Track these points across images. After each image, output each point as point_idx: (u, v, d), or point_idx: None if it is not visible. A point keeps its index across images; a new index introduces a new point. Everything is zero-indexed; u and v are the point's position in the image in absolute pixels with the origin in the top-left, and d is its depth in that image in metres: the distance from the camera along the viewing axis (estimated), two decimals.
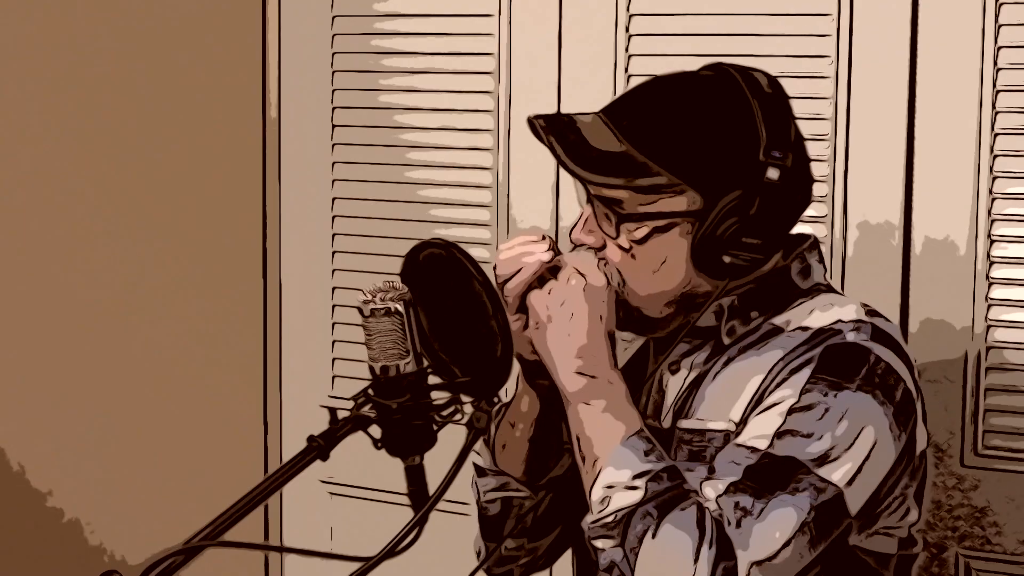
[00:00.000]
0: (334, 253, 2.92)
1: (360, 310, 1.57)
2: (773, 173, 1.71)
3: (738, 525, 1.61)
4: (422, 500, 1.57)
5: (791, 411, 1.67)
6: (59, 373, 3.19)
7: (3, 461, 3.25)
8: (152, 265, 3.11)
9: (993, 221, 2.35)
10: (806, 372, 1.69)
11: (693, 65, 1.83)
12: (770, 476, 1.63)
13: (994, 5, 2.32)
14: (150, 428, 3.14)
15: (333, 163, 2.91)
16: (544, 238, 1.77)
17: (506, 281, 1.76)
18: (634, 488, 1.64)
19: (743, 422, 1.71)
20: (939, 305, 2.39)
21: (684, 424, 1.77)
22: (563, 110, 2.55)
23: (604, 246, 1.77)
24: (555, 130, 1.74)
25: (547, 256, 1.76)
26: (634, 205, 1.73)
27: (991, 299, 2.36)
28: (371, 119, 2.86)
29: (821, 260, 1.84)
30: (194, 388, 3.10)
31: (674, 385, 1.81)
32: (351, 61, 2.87)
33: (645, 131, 1.73)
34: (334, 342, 2.93)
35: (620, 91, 2.36)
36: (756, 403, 1.71)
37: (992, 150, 2.34)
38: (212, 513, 1.48)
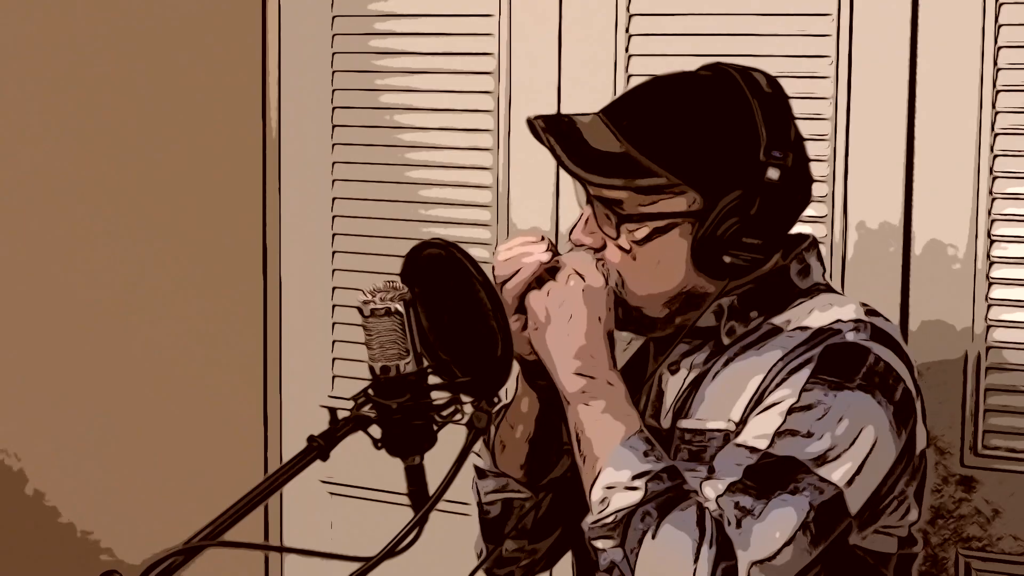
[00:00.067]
0: (334, 253, 2.92)
1: (360, 310, 1.57)
2: (773, 173, 1.71)
3: (738, 525, 1.61)
4: (422, 500, 1.57)
5: (791, 411, 1.67)
6: (59, 373, 3.19)
7: (3, 461, 3.25)
8: (152, 265, 3.11)
9: (993, 221, 2.35)
10: (806, 372, 1.69)
11: (693, 65, 1.83)
12: (770, 476, 1.63)
13: (994, 5, 2.32)
14: (150, 428, 3.14)
15: (333, 163, 2.91)
16: (543, 239, 1.78)
17: (505, 282, 1.76)
18: (634, 488, 1.64)
19: (743, 422, 1.71)
20: (939, 305, 2.38)
21: (684, 424, 1.77)
22: (563, 110, 2.55)
23: (604, 247, 1.77)
24: (555, 131, 1.74)
25: (546, 257, 1.76)
26: (634, 205, 1.73)
27: (991, 299, 2.36)
28: (371, 119, 2.86)
29: (820, 260, 1.84)
30: (194, 388, 3.10)
31: (674, 385, 1.81)
32: (351, 61, 2.87)
33: (645, 131, 1.73)
34: (334, 342, 2.93)
35: (620, 91, 2.36)
36: (756, 403, 1.71)
37: (992, 150, 2.34)
38: (212, 513, 1.48)
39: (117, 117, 3.09)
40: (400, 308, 1.56)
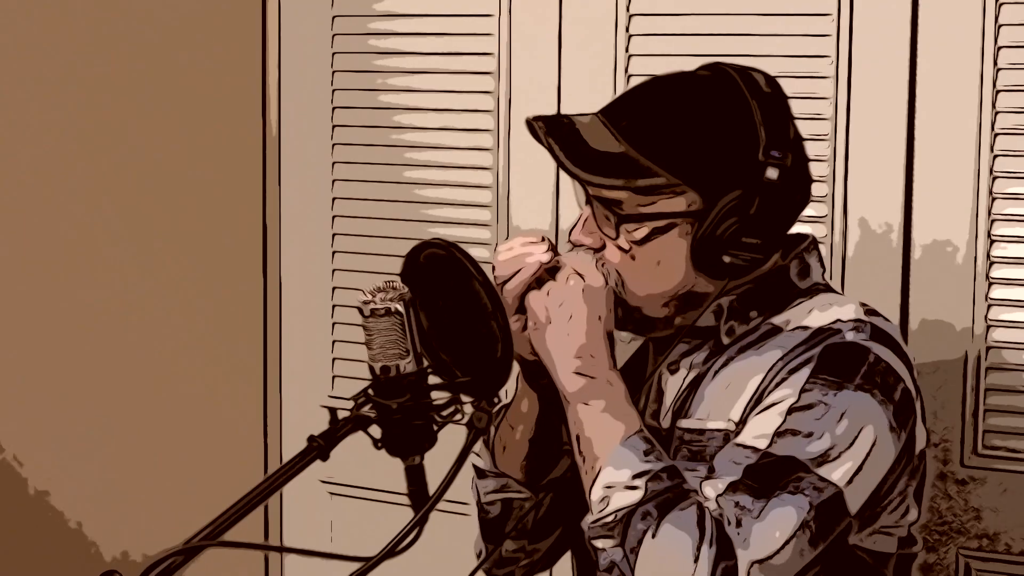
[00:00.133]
0: (334, 253, 2.92)
1: (360, 310, 1.57)
2: (772, 173, 1.71)
3: (738, 524, 1.61)
4: (422, 500, 1.57)
5: (791, 410, 1.67)
6: (59, 373, 3.19)
7: (3, 461, 3.25)
8: (152, 265, 3.11)
9: (993, 221, 2.35)
10: (805, 371, 1.69)
11: (693, 65, 1.83)
12: (770, 475, 1.63)
13: (994, 5, 2.32)
14: (150, 428, 3.14)
15: (333, 163, 2.91)
16: (543, 239, 1.78)
17: (505, 282, 1.76)
18: (634, 488, 1.64)
19: (743, 422, 1.71)
20: (939, 305, 2.38)
21: (683, 424, 1.77)
22: (563, 110, 2.55)
23: (603, 247, 1.77)
24: (554, 131, 1.74)
25: (546, 257, 1.76)
26: (633, 206, 1.73)
27: (991, 299, 2.36)
28: (371, 119, 2.86)
29: (820, 260, 1.84)
30: (194, 388, 3.10)
31: (673, 385, 1.81)
32: (351, 61, 2.87)
33: (644, 132, 1.73)
34: (334, 342, 2.93)
35: (620, 91, 2.36)
36: (755, 403, 1.71)
37: (992, 150, 2.34)
38: (212, 513, 1.48)
39: (117, 117, 3.09)
40: (400, 308, 1.56)
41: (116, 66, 3.08)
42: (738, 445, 1.68)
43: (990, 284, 2.36)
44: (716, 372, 1.77)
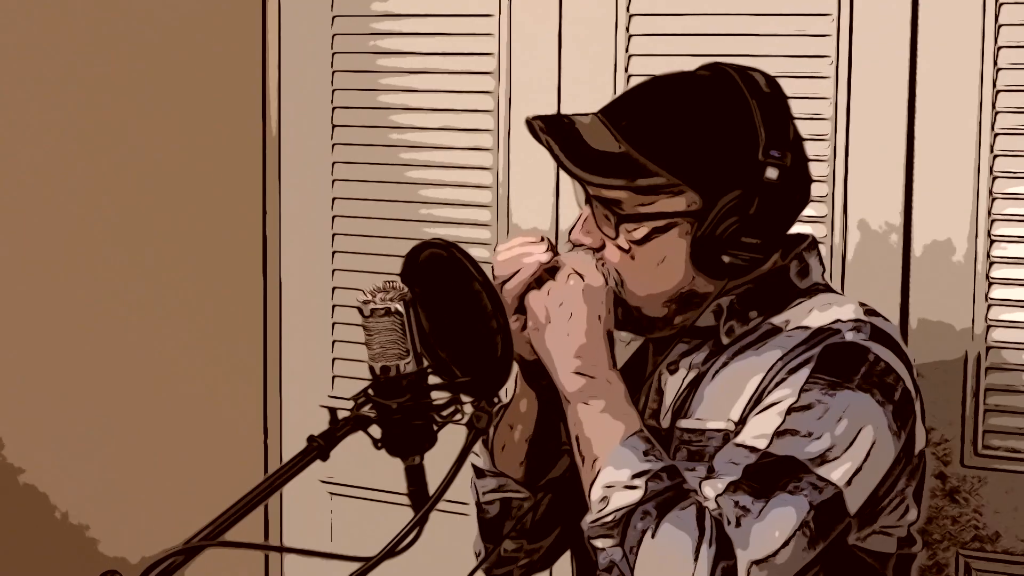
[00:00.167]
0: (334, 253, 2.92)
1: (360, 310, 1.57)
2: (772, 173, 1.71)
3: (737, 524, 1.61)
4: (422, 500, 1.57)
5: (790, 410, 1.67)
6: (59, 373, 3.19)
7: (3, 461, 3.25)
8: (152, 265, 3.11)
9: (993, 221, 2.35)
10: (805, 372, 1.69)
11: (693, 65, 1.83)
12: (769, 475, 1.63)
13: (994, 5, 2.32)
14: (150, 428, 3.14)
15: (333, 163, 2.91)
16: (542, 239, 1.78)
17: (504, 282, 1.76)
18: (633, 487, 1.64)
19: (742, 422, 1.71)
20: (939, 305, 2.39)
21: (683, 424, 1.77)
22: (563, 110, 2.55)
23: (603, 246, 1.77)
24: (553, 131, 1.74)
25: (545, 257, 1.76)
26: (633, 205, 1.73)
27: (991, 299, 2.36)
28: (371, 119, 2.86)
29: (820, 260, 1.84)
30: (194, 388, 3.10)
31: (673, 385, 1.81)
32: (351, 61, 2.87)
33: (644, 131, 1.73)
34: (334, 342, 2.93)
35: (620, 91, 2.36)
36: (755, 403, 1.71)
37: (992, 150, 2.34)
38: (212, 513, 1.48)
39: (117, 117, 3.09)
40: (400, 308, 1.56)
41: (116, 66, 3.08)
42: (738, 445, 1.68)
43: (990, 284, 2.36)
44: (716, 372, 1.77)
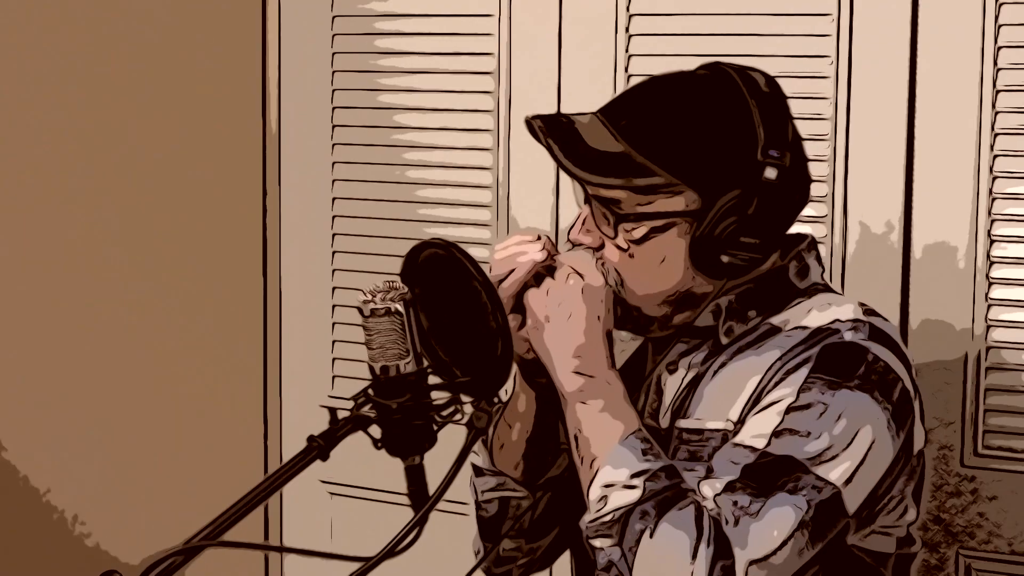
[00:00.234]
0: (334, 253, 2.92)
1: (360, 310, 1.57)
2: (771, 173, 1.72)
3: (736, 524, 1.61)
4: (422, 500, 1.57)
5: (789, 410, 1.67)
6: (59, 373, 3.19)
7: (3, 461, 3.25)
8: (152, 265, 3.11)
9: (993, 221, 2.35)
10: (804, 371, 1.69)
11: (693, 65, 1.83)
12: (768, 475, 1.63)
13: (994, 5, 2.32)
14: (150, 428, 3.14)
15: (333, 163, 2.91)
16: (539, 237, 1.78)
17: (501, 281, 1.76)
18: (632, 487, 1.64)
19: (741, 422, 1.71)
20: (939, 305, 2.38)
21: (682, 424, 1.77)
22: (563, 110, 2.54)
23: (602, 246, 1.77)
24: (553, 131, 1.74)
25: (540, 255, 1.76)
26: (632, 205, 1.73)
27: (991, 299, 2.36)
28: (371, 119, 2.86)
29: (819, 260, 1.84)
30: (194, 388, 3.10)
31: (672, 385, 1.81)
32: (351, 61, 2.87)
33: (643, 131, 1.73)
34: (334, 342, 2.93)
35: (620, 91, 2.36)
36: (754, 403, 1.71)
37: (992, 150, 2.34)
38: (212, 513, 1.48)
39: (117, 117, 3.09)
40: (400, 308, 1.56)
41: (116, 66, 3.08)
42: (736, 445, 1.68)
43: (990, 284, 2.35)
44: (715, 372, 1.77)
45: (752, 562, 1.60)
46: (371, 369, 1.58)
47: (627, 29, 2.59)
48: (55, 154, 3.14)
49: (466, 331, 1.59)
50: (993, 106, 2.33)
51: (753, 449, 1.65)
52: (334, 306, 2.93)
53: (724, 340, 1.78)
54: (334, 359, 2.94)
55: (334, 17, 2.88)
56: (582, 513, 1.69)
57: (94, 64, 3.09)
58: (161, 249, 3.10)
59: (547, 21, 2.67)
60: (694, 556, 1.59)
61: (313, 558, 1.60)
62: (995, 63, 2.32)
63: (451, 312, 1.60)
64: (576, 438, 1.71)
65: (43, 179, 3.16)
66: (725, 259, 1.73)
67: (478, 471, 1.91)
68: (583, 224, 1.79)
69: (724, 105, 1.74)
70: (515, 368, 1.82)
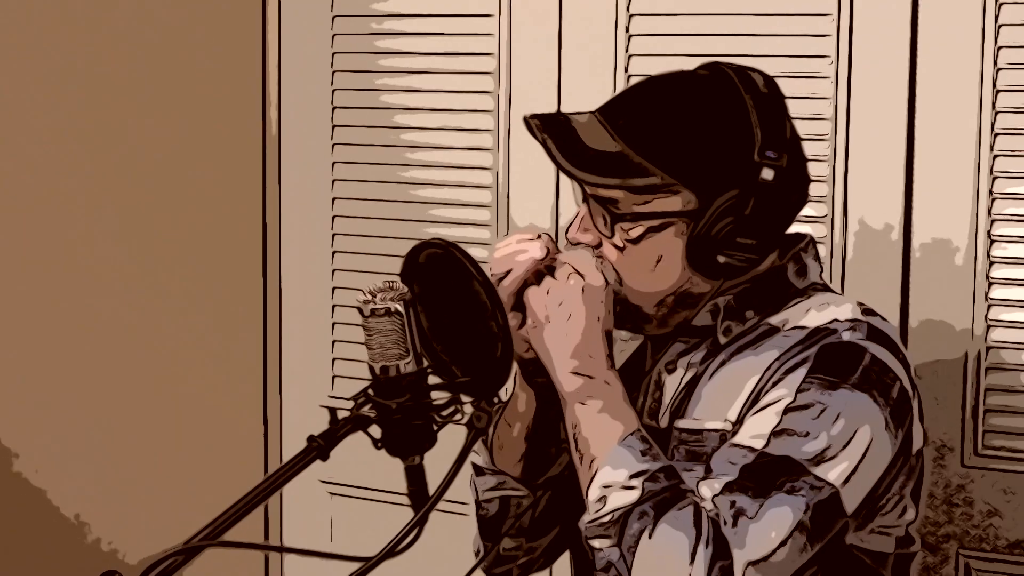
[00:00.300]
0: (334, 253, 2.92)
1: (360, 310, 1.57)
2: (768, 173, 1.71)
3: (734, 525, 1.61)
4: (422, 500, 1.57)
5: (787, 410, 1.67)
6: (59, 373, 3.19)
7: (3, 461, 3.25)
8: (152, 265, 3.11)
9: (993, 221, 2.35)
10: (802, 371, 1.69)
11: (693, 65, 1.83)
12: (766, 475, 1.63)
13: (994, 5, 2.32)
14: (150, 428, 3.14)
15: (333, 163, 2.91)
16: (539, 236, 1.78)
17: (500, 279, 1.76)
18: (631, 488, 1.64)
19: (739, 422, 1.71)
20: (939, 305, 2.38)
21: (681, 424, 1.77)
22: (563, 110, 2.54)
23: (600, 244, 1.77)
24: (550, 129, 1.74)
25: (540, 254, 1.76)
26: (629, 205, 1.73)
27: (991, 299, 2.36)
28: (371, 119, 2.86)
29: (818, 260, 1.84)
30: (194, 388, 3.10)
31: (671, 385, 1.81)
32: (351, 61, 2.87)
33: (640, 131, 1.73)
34: (334, 342, 2.93)
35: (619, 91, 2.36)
36: (752, 403, 1.71)
37: (992, 150, 2.34)
38: (212, 513, 1.48)
39: (117, 117, 3.09)
40: (400, 308, 1.56)
41: (116, 66, 3.08)
42: (735, 445, 1.67)
43: (990, 284, 2.36)
44: (713, 372, 1.77)
45: (750, 563, 1.60)
46: (371, 369, 1.58)
47: (627, 29, 2.59)
48: (55, 154, 3.14)
49: (466, 331, 1.59)
50: (993, 106, 2.33)
51: (751, 449, 1.65)
52: (334, 306, 2.93)
53: (722, 340, 1.78)
54: (334, 359, 2.94)
55: (334, 17, 2.88)
56: (582, 512, 1.69)
57: (94, 64, 3.09)
58: (161, 249, 3.10)
59: (547, 21, 2.67)
60: (693, 557, 1.59)
61: (313, 558, 1.60)
62: (995, 63, 2.32)
63: (451, 312, 1.60)
64: (575, 438, 1.71)
65: (43, 179, 3.16)
66: (722, 259, 1.73)
67: (478, 470, 1.91)
68: (581, 223, 1.79)
69: (722, 105, 1.74)
70: (515, 368, 1.82)
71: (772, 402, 1.68)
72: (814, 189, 1.84)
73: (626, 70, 2.59)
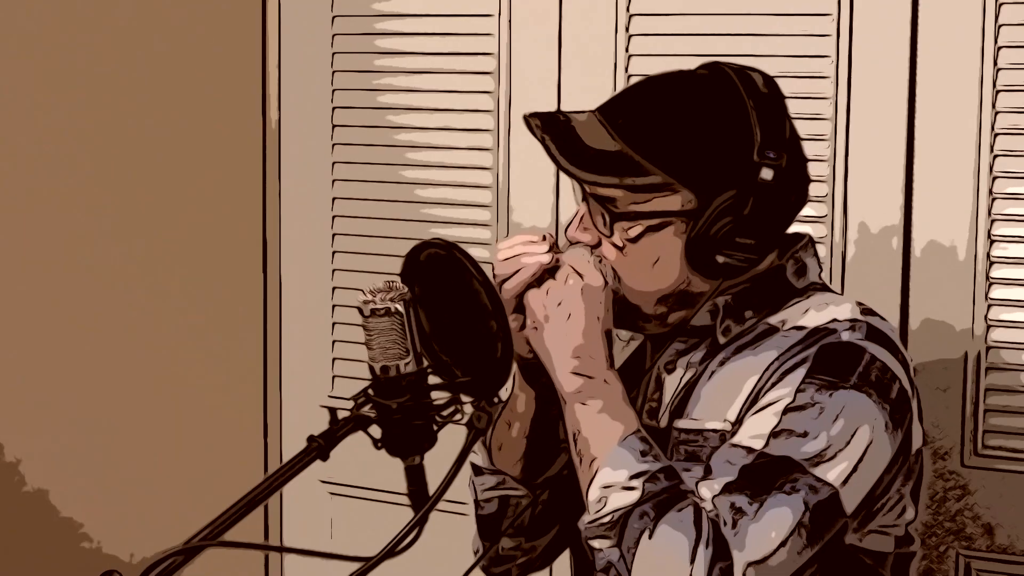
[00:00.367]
0: (334, 253, 2.92)
1: (360, 310, 1.57)
2: (767, 173, 1.71)
3: (734, 525, 1.61)
4: (422, 500, 1.57)
5: (786, 411, 1.67)
6: (59, 373, 3.19)
7: (3, 460, 3.25)
8: (152, 265, 3.11)
9: (993, 221, 2.35)
10: (801, 371, 1.69)
11: (693, 65, 1.83)
12: (766, 476, 1.63)
13: (994, 5, 2.32)
14: (150, 428, 3.14)
15: (333, 163, 2.91)
16: (544, 238, 1.77)
17: (504, 281, 1.76)
18: (631, 488, 1.64)
19: (739, 422, 1.71)
20: (939, 305, 2.39)
21: (680, 424, 1.77)
22: (563, 110, 2.54)
23: (599, 243, 1.77)
24: (550, 128, 1.74)
25: (546, 258, 1.76)
26: (628, 204, 1.73)
27: (991, 299, 2.36)
28: (371, 119, 2.86)
29: (817, 260, 1.84)
30: (194, 388, 3.10)
31: (670, 385, 1.81)
32: (351, 61, 2.87)
33: (640, 130, 1.73)
34: (334, 342, 2.93)
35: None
36: (751, 403, 1.71)
37: (992, 150, 2.34)
38: (212, 513, 1.48)
39: (117, 118, 3.09)
40: (400, 308, 1.56)
41: (116, 66, 3.08)
42: (734, 445, 1.67)
43: (990, 284, 2.36)
44: (712, 372, 1.77)
45: (750, 563, 1.60)
46: (371, 369, 1.58)
47: (627, 29, 2.59)
48: (55, 153, 3.14)
49: (466, 331, 1.59)
50: (993, 106, 2.33)
51: (751, 450, 1.65)
52: (334, 306, 2.93)
53: (721, 340, 1.78)
54: (334, 359, 2.94)
55: (334, 17, 2.88)
56: (581, 512, 1.69)
57: (95, 65, 3.09)
58: (161, 249, 3.10)
59: (547, 21, 2.67)
60: (693, 557, 1.59)
61: (313, 558, 1.60)
62: (995, 63, 2.32)
63: (451, 312, 1.60)
64: (575, 438, 1.71)
65: (43, 178, 3.16)
66: (721, 259, 1.72)
67: (477, 470, 1.91)
68: (580, 222, 1.79)
69: (721, 105, 1.74)
70: (515, 368, 1.82)
71: (771, 402, 1.68)
72: (814, 189, 1.84)
73: (626, 70, 2.59)
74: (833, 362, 1.69)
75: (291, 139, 2.96)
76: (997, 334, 2.36)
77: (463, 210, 2.78)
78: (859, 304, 1.78)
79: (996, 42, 2.32)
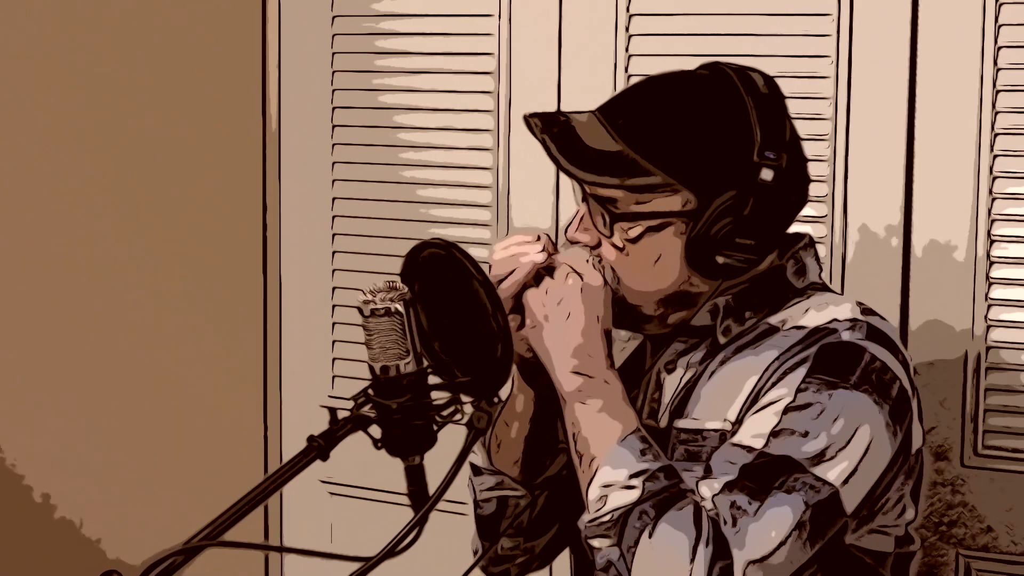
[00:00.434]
0: (334, 253, 2.92)
1: (360, 310, 1.57)
2: (767, 174, 1.71)
3: (734, 524, 1.61)
4: (422, 500, 1.57)
5: (787, 410, 1.67)
6: (59, 373, 3.19)
7: (3, 461, 3.25)
8: (152, 265, 3.11)
9: (993, 221, 2.35)
10: (801, 371, 1.69)
11: (693, 65, 1.83)
12: (766, 475, 1.63)
13: (994, 5, 2.32)
14: (150, 428, 3.14)
15: (333, 163, 2.91)
16: (539, 238, 1.77)
17: (500, 281, 1.76)
18: (631, 487, 1.64)
19: (739, 422, 1.71)
20: (939, 305, 2.38)
21: (680, 424, 1.77)
22: (563, 110, 2.54)
23: (599, 244, 1.77)
24: (550, 129, 1.74)
25: (540, 257, 1.76)
26: (628, 204, 1.73)
27: (991, 299, 2.36)
28: (371, 119, 2.86)
29: (817, 260, 1.84)
30: (194, 388, 3.10)
31: (670, 384, 1.81)
32: (351, 61, 2.87)
33: (640, 130, 1.73)
34: (334, 342, 2.93)
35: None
36: (752, 403, 1.71)
37: (992, 150, 2.34)
38: (212, 513, 1.48)
39: (117, 118, 3.09)
40: (400, 308, 1.56)
41: (116, 66, 3.08)
42: (734, 445, 1.67)
43: (990, 284, 2.36)
44: (713, 372, 1.77)
45: (750, 562, 1.60)
46: (371, 369, 1.58)
47: (627, 29, 2.59)
48: (55, 153, 3.14)
49: (466, 331, 1.59)
50: (993, 106, 2.33)
51: (751, 449, 1.65)
52: (334, 306, 2.93)
53: (722, 340, 1.78)
54: (334, 359, 2.94)
55: (334, 17, 2.88)
56: (581, 512, 1.69)
57: (94, 64, 3.09)
58: (161, 249, 3.10)
59: (547, 21, 2.67)
60: (693, 556, 1.59)
61: (313, 558, 1.60)
62: (995, 63, 2.32)
63: (451, 312, 1.60)
64: (575, 438, 1.71)
65: (43, 178, 3.16)
66: (721, 259, 1.73)
67: (476, 470, 1.91)
68: (580, 222, 1.79)
69: (721, 106, 1.74)
70: (514, 368, 1.82)
71: (772, 402, 1.68)
72: (814, 189, 1.84)
73: (626, 70, 2.59)
74: (833, 362, 1.69)
75: (291, 139, 2.96)
76: (997, 334, 2.36)
77: (463, 210, 2.78)
78: (859, 304, 1.78)
79: (996, 42, 2.32)
